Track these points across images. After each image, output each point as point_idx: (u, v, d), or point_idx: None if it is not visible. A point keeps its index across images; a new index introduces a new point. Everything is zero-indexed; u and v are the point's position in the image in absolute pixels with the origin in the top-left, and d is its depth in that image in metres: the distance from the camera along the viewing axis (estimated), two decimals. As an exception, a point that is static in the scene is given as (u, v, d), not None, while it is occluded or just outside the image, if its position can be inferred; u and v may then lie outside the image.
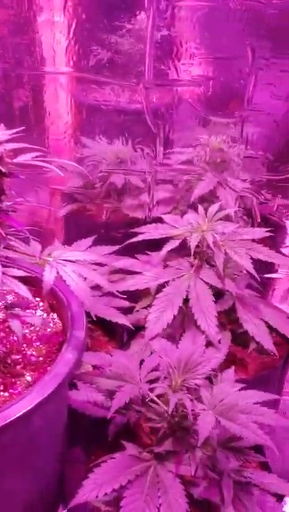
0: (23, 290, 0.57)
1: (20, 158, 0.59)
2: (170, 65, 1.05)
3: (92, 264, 0.97)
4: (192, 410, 0.66)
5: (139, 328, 0.96)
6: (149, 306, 0.91)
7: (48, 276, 0.60)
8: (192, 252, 0.89)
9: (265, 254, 0.91)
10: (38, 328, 0.71)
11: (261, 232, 0.95)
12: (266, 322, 0.92)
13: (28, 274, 0.61)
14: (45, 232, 1.34)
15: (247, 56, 0.97)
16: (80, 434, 0.81)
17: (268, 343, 0.89)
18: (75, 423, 0.76)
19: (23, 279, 0.59)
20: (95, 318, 0.87)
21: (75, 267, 0.62)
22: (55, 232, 1.35)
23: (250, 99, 1.02)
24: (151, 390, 0.70)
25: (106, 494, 0.62)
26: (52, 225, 1.35)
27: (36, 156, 0.60)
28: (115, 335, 1.06)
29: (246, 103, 1.03)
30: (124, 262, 1.02)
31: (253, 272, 0.87)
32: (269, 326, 0.94)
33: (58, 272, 0.61)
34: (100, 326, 1.08)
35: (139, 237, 0.96)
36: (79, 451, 0.77)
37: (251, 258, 0.90)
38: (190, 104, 1.11)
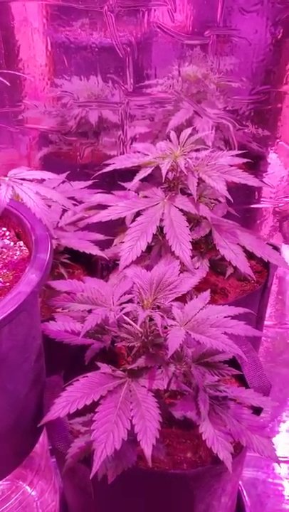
0: (-22, 209, 0.56)
1: None
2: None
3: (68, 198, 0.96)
4: (164, 328, 0.66)
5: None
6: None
7: (3, 195, 0.58)
8: (164, 178, 0.87)
9: (240, 176, 0.89)
10: (4, 257, 0.70)
11: (236, 156, 0.92)
12: (243, 247, 0.91)
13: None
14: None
15: None
16: (60, 363, 0.81)
17: (244, 266, 0.88)
18: (54, 353, 0.77)
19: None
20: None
21: (32, 185, 0.60)
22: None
23: (220, 17, 0.97)
24: (123, 310, 0.69)
25: (81, 411, 0.63)
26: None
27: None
28: (96, 273, 1.06)
29: (216, 22, 0.98)
30: (100, 197, 1.00)
31: (226, 194, 0.85)
32: (248, 254, 0.93)
33: (13, 190, 0.59)
34: (81, 265, 1.08)
35: (110, 168, 0.93)
36: (58, 378, 0.78)
37: (226, 182, 0.88)
38: (163, 33, 1.06)
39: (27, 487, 0.82)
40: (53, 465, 0.92)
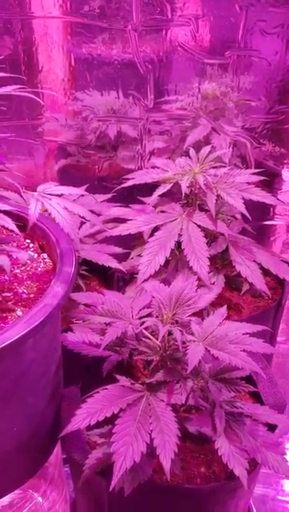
0: (8, 222, 0.57)
1: (1, 90, 0.58)
2: (160, 7, 1.02)
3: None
4: (183, 343, 0.67)
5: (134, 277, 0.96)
6: (144, 251, 0.91)
7: (33, 210, 0.60)
8: (183, 194, 0.88)
9: (257, 194, 0.90)
10: (28, 268, 0.71)
11: (254, 174, 0.94)
12: (259, 264, 0.92)
13: (14, 209, 0.61)
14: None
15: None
16: (76, 374, 0.82)
17: (260, 283, 0.89)
18: (71, 364, 0.78)
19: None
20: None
21: (60, 200, 0.62)
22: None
23: (241, 38, 0.99)
24: (143, 324, 0.70)
25: (98, 422, 0.64)
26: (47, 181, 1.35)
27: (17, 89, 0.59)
28: (112, 284, 1.07)
29: (237, 42, 1.00)
30: (118, 210, 1.01)
31: (244, 211, 0.86)
32: (263, 270, 0.94)
33: (42, 205, 0.60)
34: (97, 276, 1.09)
35: (130, 182, 0.95)
36: (75, 390, 0.79)
37: (244, 200, 0.90)
38: (184, 52, 1.08)
39: (39, 498, 0.82)
40: (65, 474, 0.92)
